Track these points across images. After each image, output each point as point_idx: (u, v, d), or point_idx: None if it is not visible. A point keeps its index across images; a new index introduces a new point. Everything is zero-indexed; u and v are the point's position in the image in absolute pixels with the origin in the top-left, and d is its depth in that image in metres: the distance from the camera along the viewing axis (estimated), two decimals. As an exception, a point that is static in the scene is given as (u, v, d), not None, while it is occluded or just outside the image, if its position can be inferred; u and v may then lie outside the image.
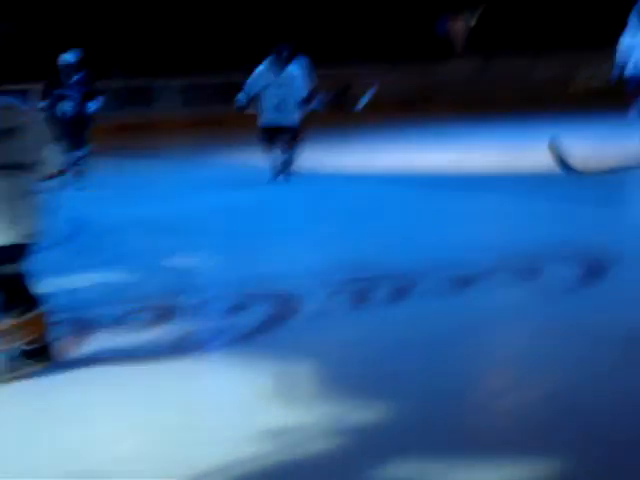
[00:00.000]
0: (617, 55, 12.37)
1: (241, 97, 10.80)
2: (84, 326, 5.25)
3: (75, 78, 10.93)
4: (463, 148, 12.56)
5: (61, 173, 11.03)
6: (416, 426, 3.65)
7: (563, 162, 6.87)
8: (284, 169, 10.63)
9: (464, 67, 22.19)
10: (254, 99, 10.75)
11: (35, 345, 4.55)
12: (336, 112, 11.65)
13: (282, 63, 10.64)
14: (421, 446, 3.47)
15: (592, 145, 11.51)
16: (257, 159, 10.70)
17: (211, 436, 3.68)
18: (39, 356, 4.56)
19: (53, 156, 4.69)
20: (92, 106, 11.00)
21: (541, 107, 16.75)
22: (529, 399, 3.92)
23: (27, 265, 4.53)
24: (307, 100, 10.73)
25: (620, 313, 4.93)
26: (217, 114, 17.41)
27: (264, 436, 3.61)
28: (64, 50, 11.09)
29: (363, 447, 3.49)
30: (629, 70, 12.10)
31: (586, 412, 3.68)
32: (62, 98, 10.87)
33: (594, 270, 5.78)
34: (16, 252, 4.49)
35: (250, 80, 10.80)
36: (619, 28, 12.76)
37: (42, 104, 10.79)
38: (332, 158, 12.30)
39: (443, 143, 13.26)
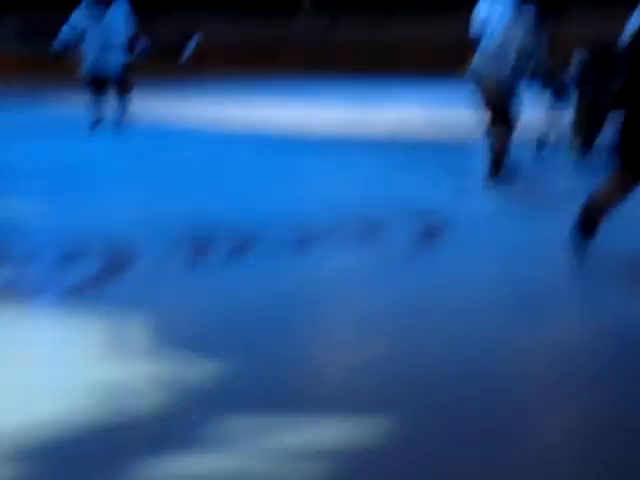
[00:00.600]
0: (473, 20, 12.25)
1: (57, 42, 9.84)
2: None
3: None
4: (308, 106, 12.45)
5: None
6: (250, 385, 3.53)
7: None
8: (117, 119, 10.13)
9: (311, 24, 22.07)
10: (73, 43, 9.85)
11: None
12: (172, 61, 11.17)
13: (103, 4, 9.78)
14: (253, 404, 3.35)
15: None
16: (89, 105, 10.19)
17: (33, 389, 3.47)
18: None
19: None
20: None
21: (390, 69, 16.85)
22: (366, 359, 3.84)
23: None
24: (132, 45, 9.95)
25: (457, 275, 4.94)
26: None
27: (91, 390, 3.44)
28: None
29: (190, 404, 3.35)
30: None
31: (428, 373, 3.63)
32: None
33: (432, 233, 5.79)
34: None
35: (68, 23, 9.84)
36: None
37: None
38: (169, 109, 11.95)
39: (287, 100, 13.11)
